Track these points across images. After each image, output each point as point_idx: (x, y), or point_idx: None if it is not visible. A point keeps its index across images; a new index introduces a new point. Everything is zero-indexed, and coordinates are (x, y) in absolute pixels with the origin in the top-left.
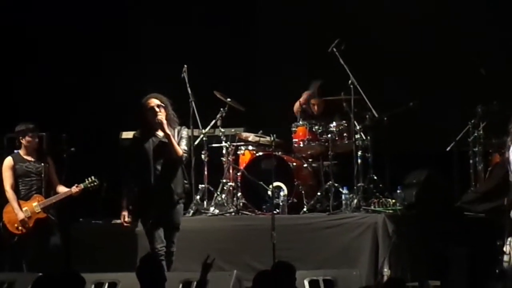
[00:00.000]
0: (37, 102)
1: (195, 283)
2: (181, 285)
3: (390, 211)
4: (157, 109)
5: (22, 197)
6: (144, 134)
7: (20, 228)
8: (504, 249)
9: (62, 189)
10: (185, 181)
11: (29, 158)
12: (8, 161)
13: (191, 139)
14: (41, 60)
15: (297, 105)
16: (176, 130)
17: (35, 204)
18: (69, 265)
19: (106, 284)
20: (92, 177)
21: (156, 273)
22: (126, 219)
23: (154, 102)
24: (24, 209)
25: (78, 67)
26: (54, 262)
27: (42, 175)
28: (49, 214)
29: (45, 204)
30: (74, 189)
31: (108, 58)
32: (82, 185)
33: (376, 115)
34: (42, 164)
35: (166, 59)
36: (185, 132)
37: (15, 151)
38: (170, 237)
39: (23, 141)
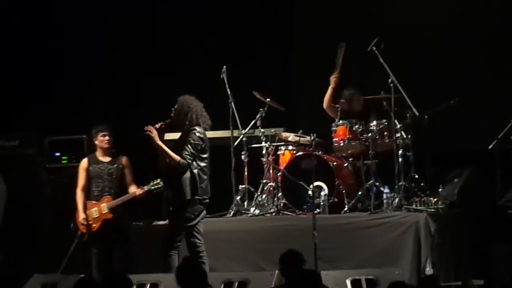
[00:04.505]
0: (76, 105)
1: (236, 283)
2: (222, 286)
3: (432, 210)
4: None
5: (95, 197)
6: None
7: (85, 227)
8: None
9: (132, 189)
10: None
11: (103, 159)
12: (83, 162)
13: (199, 141)
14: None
15: (326, 99)
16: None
17: (103, 205)
18: (111, 267)
19: (148, 285)
20: (158, 180)
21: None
22: None
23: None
24: (93, 209)
25: (111, 69)
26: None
27: (114, 176)
28: (119, 215)
29: (112, 205)
30: (138, 191)
31: (148, 61)
32: (146, 188)
33: (417, 113)
34: (115, 165)
35: (206, 60)
36: (194, 135)
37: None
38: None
39: (96, 142)
